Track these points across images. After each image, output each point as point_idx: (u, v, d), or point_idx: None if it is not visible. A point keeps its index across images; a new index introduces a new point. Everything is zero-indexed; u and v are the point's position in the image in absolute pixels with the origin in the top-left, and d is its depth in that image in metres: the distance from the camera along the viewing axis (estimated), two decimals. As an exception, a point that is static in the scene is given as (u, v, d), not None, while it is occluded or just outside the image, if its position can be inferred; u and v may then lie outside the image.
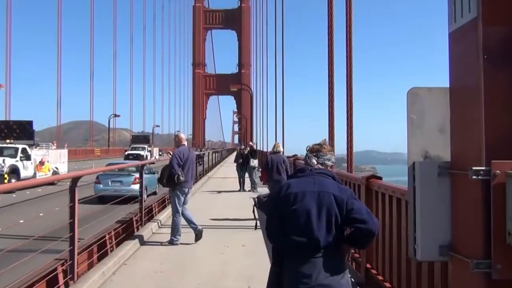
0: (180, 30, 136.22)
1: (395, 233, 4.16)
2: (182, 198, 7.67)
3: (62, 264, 5.05)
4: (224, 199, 13.88)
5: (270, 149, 22.05)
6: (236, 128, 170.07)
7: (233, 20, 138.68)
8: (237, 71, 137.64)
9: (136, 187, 12.37)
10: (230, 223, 9.38)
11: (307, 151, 2.88)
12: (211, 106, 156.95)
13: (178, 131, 9.60)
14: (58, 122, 59.64)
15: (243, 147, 18.94)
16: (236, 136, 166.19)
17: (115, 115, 73.12)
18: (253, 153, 17.92)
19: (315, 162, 2.77)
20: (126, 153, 39.51)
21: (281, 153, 10.56)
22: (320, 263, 2.48)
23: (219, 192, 15.92)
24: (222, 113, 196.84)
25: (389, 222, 4.35)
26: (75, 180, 5.12)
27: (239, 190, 16.59)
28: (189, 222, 7.70)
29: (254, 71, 68.48)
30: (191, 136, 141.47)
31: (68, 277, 4.91)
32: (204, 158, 24.76)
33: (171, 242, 7.47)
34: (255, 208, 3.74)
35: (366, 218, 2.54)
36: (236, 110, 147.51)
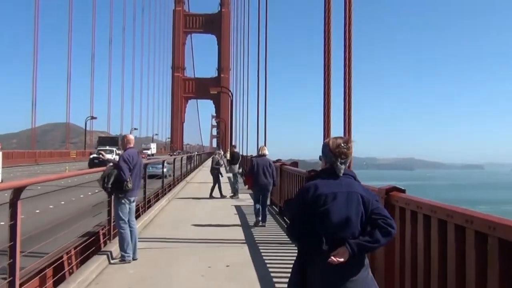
0: (160, 33, 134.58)
1: (435, 265, 3.23)
2: (128, 207, 6.54)
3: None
4: (204, 207, 12.80)
5: (252, 154, 21.08)
6: (214, 132, 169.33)
7: (213, 24, 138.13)
8: (217, 75, 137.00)
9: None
10: (213, 236, 8.34)
11: (331, 152, 2.73)
12: (190, 110, 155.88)
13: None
14: (33, 124, 57.34)
15: (220, 152, 17.72)
16: (215, 140, 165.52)
17: (92, 117, 71.30)
18: (234, 158, 16.85)
19: (342, 171, 2.71)
20: (91, 156, 36.13)
21: (266, 156, 10.11)
22: (349, 260, 2.55)
23: (198, 199, 14.88)
24: (200, 117, 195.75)
25: (424, 252, 3.44)
26: (17, 192, 4.06)
27: (210, 197, 15.44)
28: (129, 239, 6.50)
29: (233, 75, 67.51)
30: (169, 139, 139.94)
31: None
32: (182, 162, 23.64)
33: (122, 259, 6.41)
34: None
35: (388, 215, 2.68)
36: (214, 114, 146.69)
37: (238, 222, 10.02)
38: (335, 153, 2.71)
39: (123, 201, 6.42)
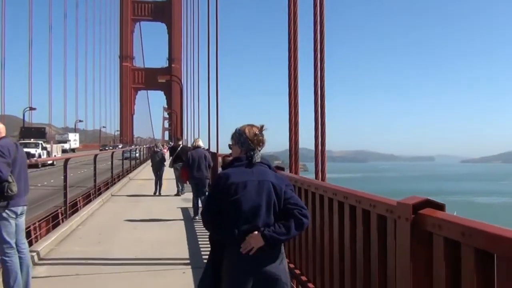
0: (106, 21, 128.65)
1: None
2: (13, 224, 4.36)
3: None
4: (144, 210, 10.82)
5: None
6: (166, 124, 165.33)
7: (163, 12, 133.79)
8: (167, 65, 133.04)
9: None
10: (149, 253, 6.46)
11: (249, 140, 2.74)
12: (140, 102, 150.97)
13: None
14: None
15: (157, 147, 15.97)
16: (167, 133, 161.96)
17: (31, 108, 66.43)
18: (173, 151, 14.64)
19: (258, 159, 2.71)
20: None
21: (201, 148, 10.00)
22: (263, 249, 2.53)
23: (140, 197, 12.88)
24: (152, 109, 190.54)
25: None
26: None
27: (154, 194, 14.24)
28: (19, 271, 4.40)
29: (184, 65, 64.91)
30: (119, 132, 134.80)
31: None
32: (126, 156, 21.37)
33: None
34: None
35: (303, 205, 2.68)
36: (166, 106, 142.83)
37: (183, 231, 8.18)
38: (253, 141, 2.73)
39: (4, 214, 4.34)
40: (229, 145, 2.87)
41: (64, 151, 31.76)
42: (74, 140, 68.74)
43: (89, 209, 10.02)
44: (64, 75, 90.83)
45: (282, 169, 5.56)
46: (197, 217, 9.24)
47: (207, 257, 6.35)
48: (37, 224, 7.79)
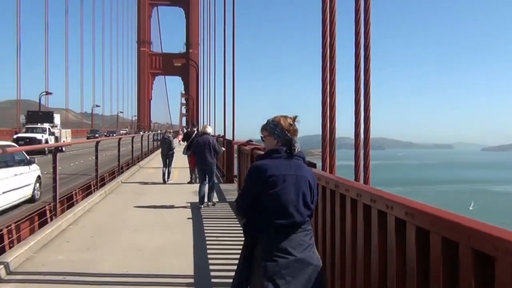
0: (123, 5, 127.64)
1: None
2: None
3: None
4: (149, 205, 9.61)
5: (217, 134, 18.15)
6: (184, 110, 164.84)
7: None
8: (185, 50, 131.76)
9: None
10: (145, 268, 5.23)
11: (285, 131, 2.74)
12: (158, 87, 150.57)
13: None
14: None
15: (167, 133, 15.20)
16: (184, 118, 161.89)
17: (47, 93, 66.04)
18: (187, 138, 13.75)
19: (299, 149, 2.74)
20: (16, 136, 28.95)
21: (209, 134, 9.81)
22: (295, 239, 2.59)
23: (147, 186, 11.69)
24: (169, 94, 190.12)
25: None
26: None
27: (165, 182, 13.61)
28: None
29: (202, 50, 63.61)
30: (136, 118, 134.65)
31: None
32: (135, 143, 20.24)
33: None
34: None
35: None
36: (183, 91, 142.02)
37: (189, 233, 6.93)
38: (289, 131, 2.73)
39: None
40: (261, 137, 2.84)
41: (30, 141, 26.10)
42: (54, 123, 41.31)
43: (85, 204, 8.84)
44: (81, 60, 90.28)
45: (314, 165, 4.26)
46: (202, 206, 9.12)
47: (216, 273, 5.17)
48: (13, 226, 6.61)
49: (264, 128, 2.82)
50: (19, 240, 6.36)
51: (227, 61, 17.96)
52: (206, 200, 9.31)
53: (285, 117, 2.79)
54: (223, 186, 12.71)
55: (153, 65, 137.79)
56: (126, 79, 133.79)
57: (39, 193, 10.61)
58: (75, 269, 5.12)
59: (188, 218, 8.14)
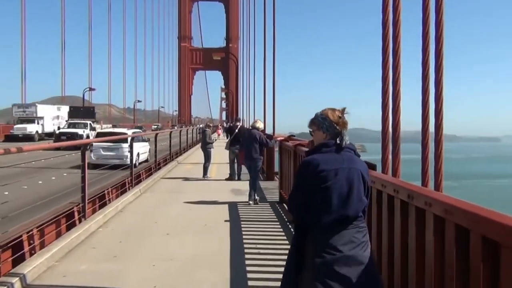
0: (164, 1, 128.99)
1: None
2: None
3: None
4: (185, 205, 9.04)
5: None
6: (224, 104, 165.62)
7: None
8: (225, 45, 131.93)
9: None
10: (174, 284, 4.61)
11: (334, 124, 2.66)
12: (198, 82, 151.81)
13: None
14: (23, 98, 53.24)
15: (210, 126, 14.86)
16: (224, 113, 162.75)
17: (90, 89, 67.56)
18: (230, 133, 13.34)
19: (348, 141, 2.66)
20: (58, 131, 29.58)
21: (257, 129, 9.61)
22: (347, 236, 2.50)
23: (185, 181, 11.14)
24: (209, 89, 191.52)
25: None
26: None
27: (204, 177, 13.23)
28: None
29: (241, 44, 63.14)
30: (177, 112, 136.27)
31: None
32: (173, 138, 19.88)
33: None
34: None
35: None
36: (223, 86, 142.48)
37: (227, 239, 6.26)
38: (338, 124, 2.66)
39: None
40: (310, 131, 2.79)
41: (72, 136, 26.14)
42: (54, 116, 39.83)
43: (118, 204, 8.35)
44: (124, 56, 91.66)
45: (374, 167, 3.49)
46: (251, 202, 8.93)
47: (256, 292, 4.47)
48: (34, 231, 6.14)
49: (313, 122, 2.75)
50: (42, 246, 5.88)
51: (267, 55, 17.54)
52: (252, 197, 9.02)
53: (333, 109, 2.71)
54: (263, 184, 12.00)
55: (193, 60, 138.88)
56: (167, 74, 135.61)
57: (148, 158, 17.88)
58: (97, 282, 4.56)
59: (225, 221, 7.48)
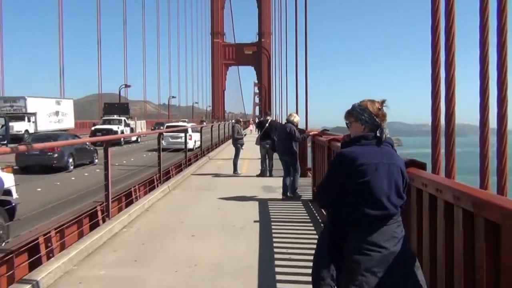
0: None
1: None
2: None
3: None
4: (213, 203, 8.68)
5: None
6: (257, 99, 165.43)
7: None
8: (257, 40, 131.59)
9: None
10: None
11: (374, 116, 2.54)
12: (231, 77, 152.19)
13: None
14: (62, 94, 54.41)
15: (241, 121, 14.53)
16: (257, 108, 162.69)
17: (126, 85, 68.48)
18: (260, 127, 12.90)
19: (388, 135, 2.56)
20: (94, 128, 29.63)
21: (291, 123, 9.22)
22: (388, 231, 2.43)
23: (215, 178, 10.78)
24: (242, 84, 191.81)
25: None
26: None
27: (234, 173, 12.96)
28: None
29: (274, 39, 62.63)
30: (211, 108, 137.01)
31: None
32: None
33: None
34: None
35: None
36: (256, 81, 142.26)
37: (255, 241, 5.82)
38: (378, 116, 2.55)
39: None
40: (346, 123, 2.66)
41: (107, 132, 26.01)
42: (51, 112, 35.94)
43: (145, 202, 8.06)
44: (158, 53, 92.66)
45: (423, 166, 2.97)
46: (285, 197, 8.86)
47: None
48: (52, 233, 5.86)
49: (350, 113, 2.63)
50: (63, 247, 5.61)
51: (299, 49, 17.23)
52: (288, 194, 8.97)
53: (373, 101, 2.61)
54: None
55: (226, 55, 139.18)
56: (201, 70, 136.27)
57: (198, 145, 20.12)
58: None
59: (255, 221, 7.04)
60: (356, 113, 2.59)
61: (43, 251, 5.57)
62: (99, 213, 7.15)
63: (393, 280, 2.37)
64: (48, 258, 5.23)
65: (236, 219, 7.14)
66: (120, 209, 7.64)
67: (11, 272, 4.67)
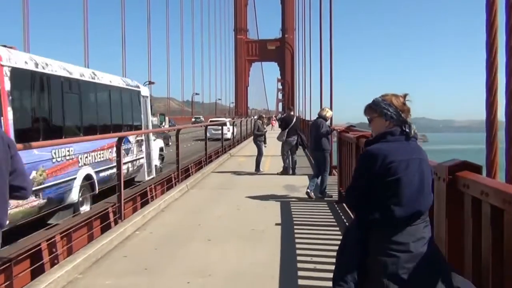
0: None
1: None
2: None
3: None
4: (232, 204, 8.23)
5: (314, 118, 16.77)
6: (280, 96, 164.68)
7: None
8: (280, 36, 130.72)
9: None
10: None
11: (399, 110, 2.43)
12: (254, 73, 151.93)
13: None
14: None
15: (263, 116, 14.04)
16: (280, 104, 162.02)
17: (150, 82, 68.79)
18: (285, 123, 12.38)
19: (415, 129, 2.45)
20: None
21: (323, 118, 8.89)
22: (417, 232, 2.32)
23: (235, 175, 10.35)
24: (266, 80, 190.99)
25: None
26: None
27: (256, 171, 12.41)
28: None
29: (297, 35, 61.94)
30: (234, 104, 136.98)
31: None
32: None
33: None
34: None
35: None
36: (279, 77, 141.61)
37: (277, 248, 5.35)
38: (404, 111, 2.45)
39: None
40: (368, 119, 2.53)
41: None
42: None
43: (161, 202, 7.67)
44: (181, 50, 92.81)
45: (479, 170, 2.47)
46: (320, 195, 8.56)
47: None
48: (57, 238, 5.47)
49: (372, 108, 2.51)
50: (70, 252, 5.24)
51: (323, 45, 16.80)
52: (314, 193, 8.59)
53: (396, 95, 2.52)
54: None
55: (249, 52, 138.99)
56: (224, 67, 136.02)
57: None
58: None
59: (276, 224, 6.56)
60: (381, 108, 2.45)
61: (46, 257, 5.21)
62: (111, 215, 6.78)
63: (420, 283, 2.24)
64: (52, 265, 4.86)
65: (257, 222, 6.67)
66: (135, 209, 7.26)
67: (8, 282, 4.30)
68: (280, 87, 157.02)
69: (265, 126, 13.63)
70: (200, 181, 10.75)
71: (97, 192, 8.47)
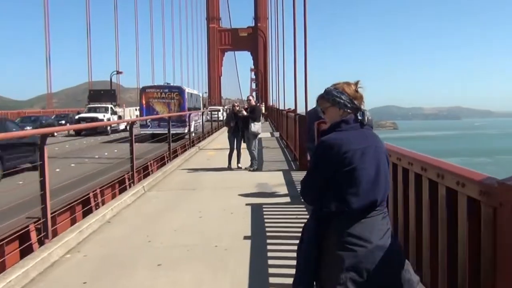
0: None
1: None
2: None
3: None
4: (193, 212, 7.00)
5: (288, 107, 15.96)
6: (254, 85, 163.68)
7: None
8: (253, 24, 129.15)
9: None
10: None
11: (352, 98, 2.35)
12: (228, 63, 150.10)
13: None
14: (48, 86, 52.11)
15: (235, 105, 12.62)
16: (254, 94, 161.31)
17: (118, 72, 66.32)
18: (254, 112, 11.23)
19: (370, 117, 2.36)
20: (77, 116, 28.12)
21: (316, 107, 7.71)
22: (374, 224, 2.22)
23: (203, 172, 9.10)
24: (239, 70, 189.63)
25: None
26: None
27: (227, 168, 11.14)
28: None
29: (270, 23, 61.05)
30: (207, 94, 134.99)
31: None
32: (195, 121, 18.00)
33: None
34: None
35: None
36: (253, 67, 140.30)
37: (244, 274, 4.17)
38: (356, 98, 2.37)
39: None
40: (321, 109, 2.47)
41: (92, 121, 25.20)
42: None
43: (107, 211, 6.36)
44: (151, 39, 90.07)
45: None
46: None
47: None
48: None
49: (325, 98, 2.40)
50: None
51: (297, 33, 16.14)
52: None
53: (348, 83, 2.41)
54: (295, 176, 9.87)
55: (222, 41, 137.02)
56: (196, 56, 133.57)
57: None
58: None
59: (245, 237, 5.37)
60: (333, 97, 2.36)
61: None
62: (33, 234, 5.46)
63: (381, 277, 2.10)
64: None
65: (221, 235, 5.47)
66: (74, 221, 5.95)
67: None
68: (254, 76, 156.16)
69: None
70: (160, 180, 9.46)
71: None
